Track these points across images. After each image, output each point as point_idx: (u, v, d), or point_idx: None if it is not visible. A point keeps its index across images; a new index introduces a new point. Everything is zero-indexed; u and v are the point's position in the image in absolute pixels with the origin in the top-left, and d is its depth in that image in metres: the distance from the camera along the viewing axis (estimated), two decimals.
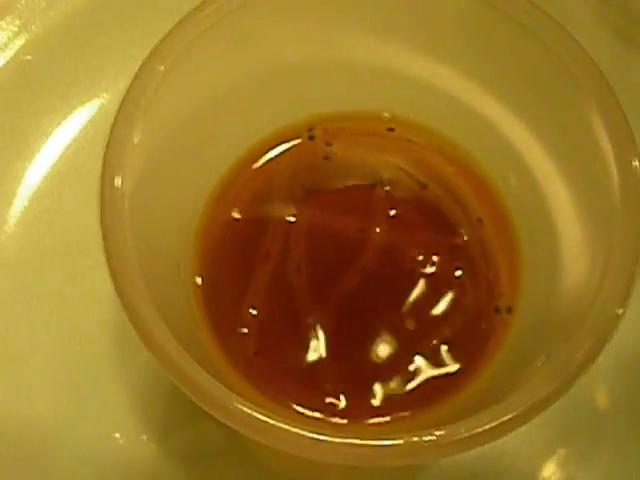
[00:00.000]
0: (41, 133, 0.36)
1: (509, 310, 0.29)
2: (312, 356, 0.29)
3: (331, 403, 0.28)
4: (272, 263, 0.30)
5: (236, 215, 0.31)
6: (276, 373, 0.29)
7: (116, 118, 0.24)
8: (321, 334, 0.29)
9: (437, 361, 0.29)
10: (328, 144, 0.32)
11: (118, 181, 0.24)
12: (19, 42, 0.38)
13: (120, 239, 0.23)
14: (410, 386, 0.28)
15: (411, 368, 0.29)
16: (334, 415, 0.28)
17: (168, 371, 0.22)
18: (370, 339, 0.29)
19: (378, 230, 0.30)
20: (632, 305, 0.24)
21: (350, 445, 0.21)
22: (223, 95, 0.28)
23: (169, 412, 0.33)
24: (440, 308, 0.29)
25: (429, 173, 0.32)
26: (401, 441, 0.21)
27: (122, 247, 0.23)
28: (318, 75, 0.30)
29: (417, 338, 0.29)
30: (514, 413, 0.22)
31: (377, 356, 0.29)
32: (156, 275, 0.25)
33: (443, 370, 0.29)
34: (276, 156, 0.32)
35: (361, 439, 0.22)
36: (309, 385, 0.28)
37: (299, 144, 0.32)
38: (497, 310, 0.29)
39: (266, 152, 0.31)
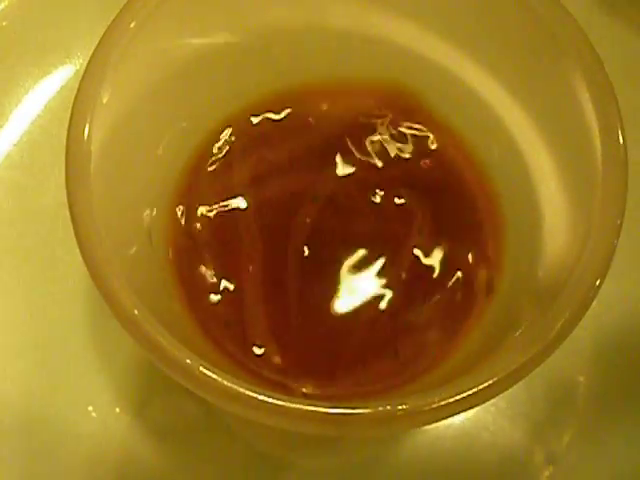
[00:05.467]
0: (15, 100, 0.36)
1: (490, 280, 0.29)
2: (285, 326, 0.28)
3: (303, 372, 0.28)
4: (245, 234, 0.29)
5: (209, 185, 0.30)
6: (249, 341, 0.28)
7: (84, 75, 0.23)
8: (294, 301, 0.28)
9: (417, 332, 0.28)
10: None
11: (84, 141, 0.23)
12: None
13: (84, 202, 0.22)
14: (390, 357, 0.28)
15: (391, 337, 0.28)
16: (307, 384, 0.27)
17: (133, 336, 0.22)
18: (349, 308, 0.29)
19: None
20: (614, 283, 0.24)
21: (318, 413, 0.21)
22: (198, 56, 0.27)
23: (144, 385, 0.32)
24: (421, 274, 0.29)
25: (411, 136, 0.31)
26: (369, 410, 0.21)
27: (87, 210, 0.23)
28: (297, 41, 0.30)
29: (396, 308, 0.29)
30: (489, 382, 0.21)
31: (355, 327, 0.28)
32: (126, 243, 0.25)
33: (423, 340, 0.28)
34: (254, 125, 0.31)
35: (330, 407, 0.21)
36: (284, 354, 0.28)
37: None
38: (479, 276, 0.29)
39: (244, 120, 0.31)
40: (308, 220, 0.29)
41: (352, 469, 0.32)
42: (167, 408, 0.32)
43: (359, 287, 0.29)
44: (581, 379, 0.33)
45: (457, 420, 0.32)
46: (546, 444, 0.32)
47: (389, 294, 0.29)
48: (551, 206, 0.26)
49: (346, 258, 0.29)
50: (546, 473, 0.32)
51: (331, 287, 0.29)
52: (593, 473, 0.31)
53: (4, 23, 0.37)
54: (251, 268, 0.29)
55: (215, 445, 0.32)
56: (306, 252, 0.29)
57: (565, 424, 0.32)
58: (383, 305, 0.29)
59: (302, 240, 0.29)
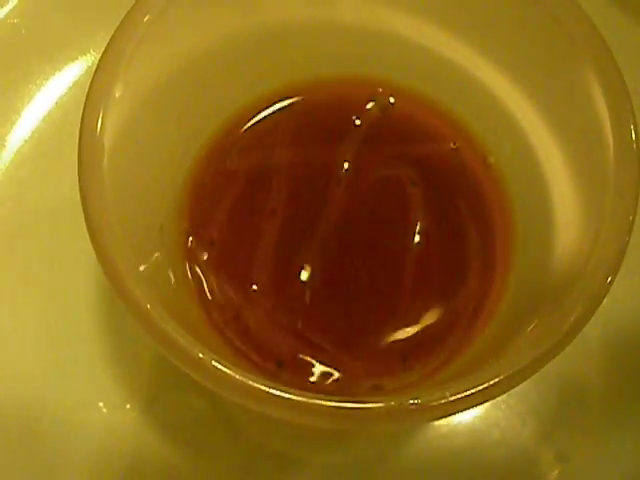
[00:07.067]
0: (27, 97, 0.36)
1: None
2: (298, 319, 0.28)
3: (316, 364, 0.28)
4: (265, 221, 0.30)
5: (222, 177, 0.30)
6: (262, 338, 0.28)
7: (96, 70, 0.24)
8: (309, 294, 0.29)
9: (430, 330, 0.28)
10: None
11: (96, 134, 0.23)
12: (7, 6, 0.37)
13: (97, 196, 0.23)
14: (402, 353, 0.28)
15: (402, 333, 0.28)
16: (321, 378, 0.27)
17: (146, 331, 0.22)
18: (363, 301, 0.29)
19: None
20: (626, 280, 0.24)
21: (329, 407, 0.21)
22: (210, 51, 0.27)
23: (153, 381, 0.32)
24: (434, 272, 0.29)
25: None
26: (381, 404, 0.21)
27: (99, 205, 0.23)
28: (308, 36, 0.30)
29: (408, 301, 0.29)
30: (500, 378, 0.21)
31: (368, 320, 0.29)
32: (138, 237, 0.25)
33: (436, 337, 0.28)
34: (262, 118, 0.31)
35: (342, 402, 0.21)
36: (292, 350, 0.28)
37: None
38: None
39: (256, 112, 0.31)
40: (322, 199, 0.30)
41: (361, 465, 0.32)
42: (176, 405, 0.32)
43: (367, 276, 0.29)
44: (592, 377, 0.32)
45: (467, 417, 0.32)
46: (556, 442, 0.32)
47: (398, 286, 0.29)
48: (563, 202, 0.26)
49: (357, 242, 0.29)
50: (556, 471, 0.31)
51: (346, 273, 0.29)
52: (603, 472, 0.31)
53: (16, 20, 0.37)
54: (266, 261, 0.29)
55: (222, 441, 0.32)
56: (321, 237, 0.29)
57: (575, 422, 0.32)
58: (395, 300, 0.29)
59: (317, 225, 0.29)
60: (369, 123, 0.31)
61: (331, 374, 0.27)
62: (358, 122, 0.31)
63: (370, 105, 0.31)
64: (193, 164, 0.29)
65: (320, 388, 0.27)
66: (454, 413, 0.21)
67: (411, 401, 0.21)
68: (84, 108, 0.23)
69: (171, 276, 0.28)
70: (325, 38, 0.30)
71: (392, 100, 0.31)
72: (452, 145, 0.31)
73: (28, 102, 0.36)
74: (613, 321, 0.32)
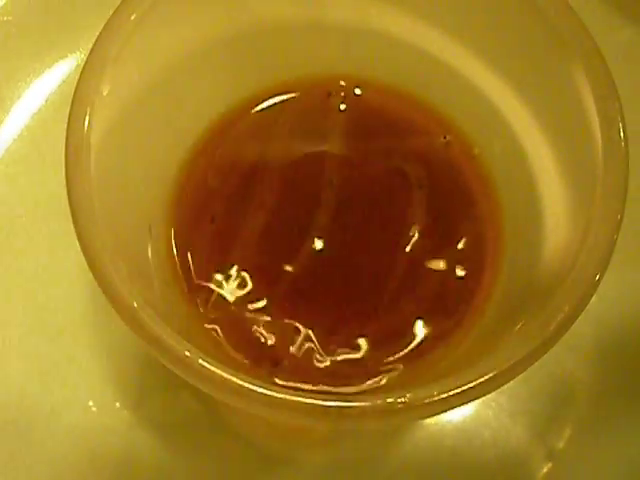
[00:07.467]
0: (17, 94, 0.36)
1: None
2: (286, 313, 0.28)
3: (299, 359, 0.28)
4: (256, 218, 0.30)
5: (211, 177, 0.30)
6: (247, 335, 0.28)
7: (84, 68, 0.24)
8: (295, 291, 0.29)
9: (415, 328, 0.28)
10: None
11: (83, 133, 0.23)
12: None
13: (84, 194, 0.23)
14: (390, 351, 0.28)
15: (392, 330, 0.28)
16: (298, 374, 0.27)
17: (133, 329, 0.22)
18: (349, 295, 0.29)
19: None
20: (615, 279, 0.24)
21: (317, 406, 0.21)
22: (198, 49, 0.27)
23: (143, 380, 0.32)
24: (423, 272, 0.29)
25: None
26: (369, 403, 0.21)
27: (86, 203, 0.23)
28: (298, 36, 0.30)
29: (397, 300, 0.29)
30: (488, 376, 0.21)
31: (354, 315, 0.28)
32: (125, 235, 0.25)
33: (421, 336, 0.28)
34: (253, 117, 0.31)
35: (330, 400, 0.21)
36: (288, 347, 0.28)
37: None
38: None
39: (244, 111, 0.31)
40: (314, 197, 0.30)
41: (352, 465, 0.32)
42: (166, 403, 0.32)
43: (357, 272, 0.29)
44: (582, 375, 0.33)
45: (457, 416, 0.32)
46: (546, 440, 0.32)
47: (386, 282, 0.29)
48: (551, 200, 0.26)
49: (348, 240, 0.29)
50: (545, 469, 0.31)
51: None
52: (593, 469, 0.31)
53: (6, 18, 0.37)
54: (257, 254, 0.29)
55: (214, 440, 0.32)
56: (317, 242, 0.29)
57: (565, 420, 0.32)
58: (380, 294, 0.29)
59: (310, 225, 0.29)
60: (357, 120, 0.31)
61: (328, 373, 0.27)
62: (345, 119, 0.31)
63: (358, 102, 0.31)
64: (181, 163, 0.29)
65: (315, 387, 0.27)
66: (442, 411, 0.21)
67: (399, 400, 0.21)
68: (71, 106, 0.23)
69: (159, 275, 0.28)
70: (317, 38, 0.30)
71: (382, 98, 0.31)
72: (443, 139, 0.31)
73: (17, 99, 0.36)
74: (603, 319, 0.33)
